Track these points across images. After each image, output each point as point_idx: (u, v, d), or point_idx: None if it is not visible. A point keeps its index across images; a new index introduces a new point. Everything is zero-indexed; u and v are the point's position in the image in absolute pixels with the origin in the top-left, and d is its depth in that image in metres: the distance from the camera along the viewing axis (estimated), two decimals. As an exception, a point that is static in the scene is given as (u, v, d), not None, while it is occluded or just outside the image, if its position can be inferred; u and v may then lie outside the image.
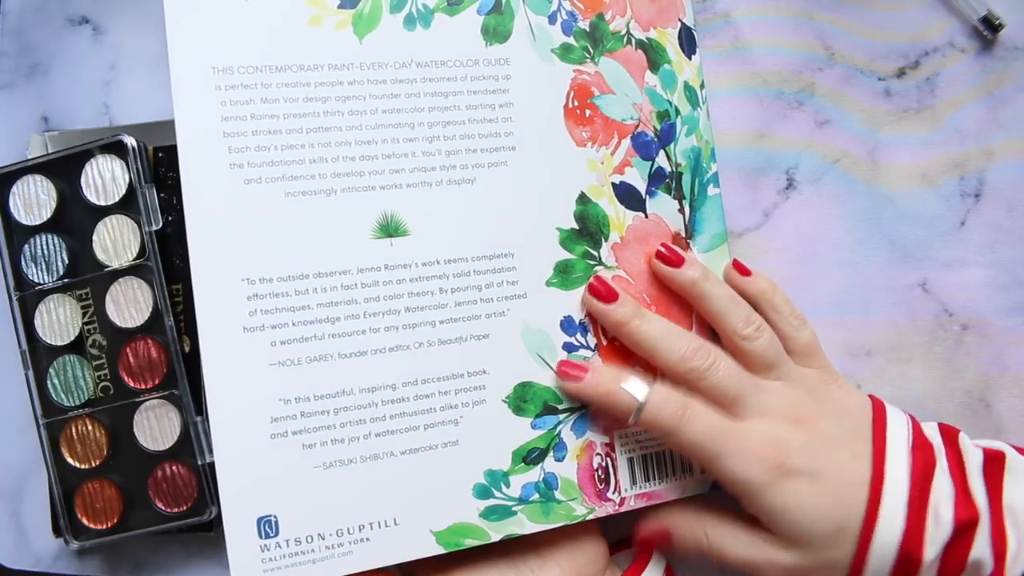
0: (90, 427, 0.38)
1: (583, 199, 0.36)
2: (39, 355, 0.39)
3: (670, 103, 0.38)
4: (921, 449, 0.34)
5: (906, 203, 0.42)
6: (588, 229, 0.36)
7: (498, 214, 0.35)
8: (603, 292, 0.35)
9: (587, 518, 0.35)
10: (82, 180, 0.39)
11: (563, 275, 0.36)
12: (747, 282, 0.38)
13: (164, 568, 0.41)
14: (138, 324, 0.38)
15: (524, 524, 0.34)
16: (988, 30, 0.41)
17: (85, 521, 0.38)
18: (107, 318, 0.38)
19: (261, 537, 0.32)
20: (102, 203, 0.39)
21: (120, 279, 0.38)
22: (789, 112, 0.42)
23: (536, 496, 0.35)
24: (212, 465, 0.38)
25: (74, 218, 0.39)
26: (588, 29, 0.36)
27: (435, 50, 0.34)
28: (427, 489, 0.33)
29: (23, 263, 0.39)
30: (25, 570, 0.41)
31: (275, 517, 0.32)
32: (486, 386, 0.34)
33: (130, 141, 0.39)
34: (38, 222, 0.39)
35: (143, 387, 0.38)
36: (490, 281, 0.34)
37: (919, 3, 0.42)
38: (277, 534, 0.32)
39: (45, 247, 0.39)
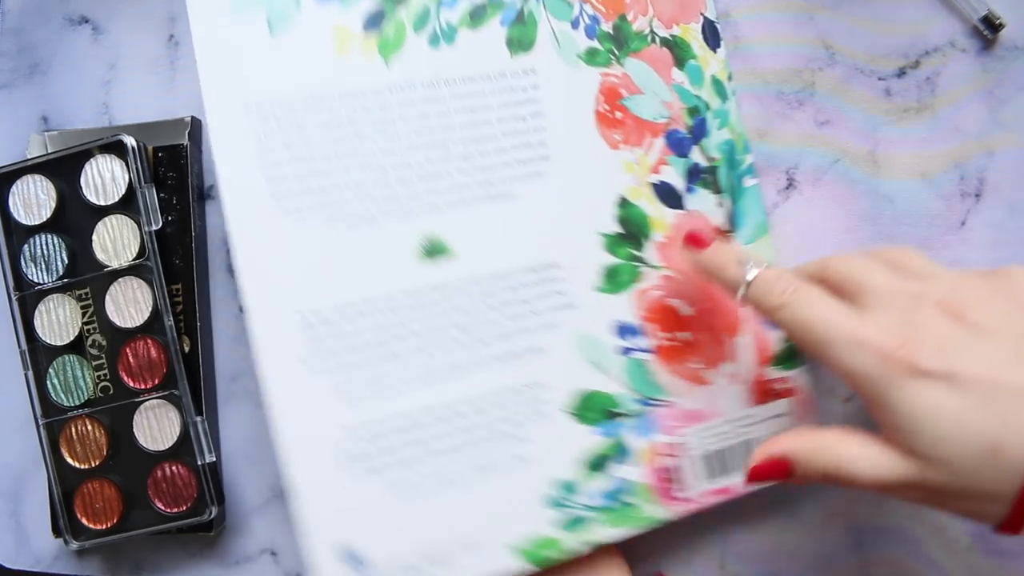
0: (90, 427, 0.38)
1: (623, 202, 0.36)
2: (39, 355, 0.39)
3: (699, 98, 0.38)
4: None
5: (906, 202, 0.42)
6: (631, 231, 0.36)
7: (540, 225, 0.35)
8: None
9: (664, 520, 0.35)
10: (82, 180, 0.39)
11: (611, 280, 0.35)
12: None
13: (164, 568, 0.41)
14: (138, 324, 0.38)
15: (602, 532, 0.34)
16: (988, 30, 0.41)
17: (85, 521, 0.38)
18: (107, 318, 0.38)
19: (348, 568, 0.31)
20: (102, 203, 0.39)
21: (120, 279, 0.38)
22: (789, 111, 0.42)
23: (609, 503, 0.35)
24: (212, 465, 0.38)
25: (74, 218, 0.39)
26: (612, 31, 0.36)
27: (462, 66, 0.34)
28: (501, 506, 0.33)
29: (23, 263, 0.39)
30: (25, 570, 0.41)
31: (356, 548, 0.31)
32: (547, 398, 0.34)
33: (130, 141, 0.39)
34: (37, 222, 0.39)
35: (143, 387, 0.38)
36: (538, 293, 0.34)
37: (919, 2, 0.42)
38: (362, 564, 0.31)
39: (45, 247, 0.39)
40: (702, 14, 0.38)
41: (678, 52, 0.37)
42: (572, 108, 0.36)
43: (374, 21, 0.33)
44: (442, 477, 0.32)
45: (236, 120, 0.32)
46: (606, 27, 0.36)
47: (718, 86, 0.38)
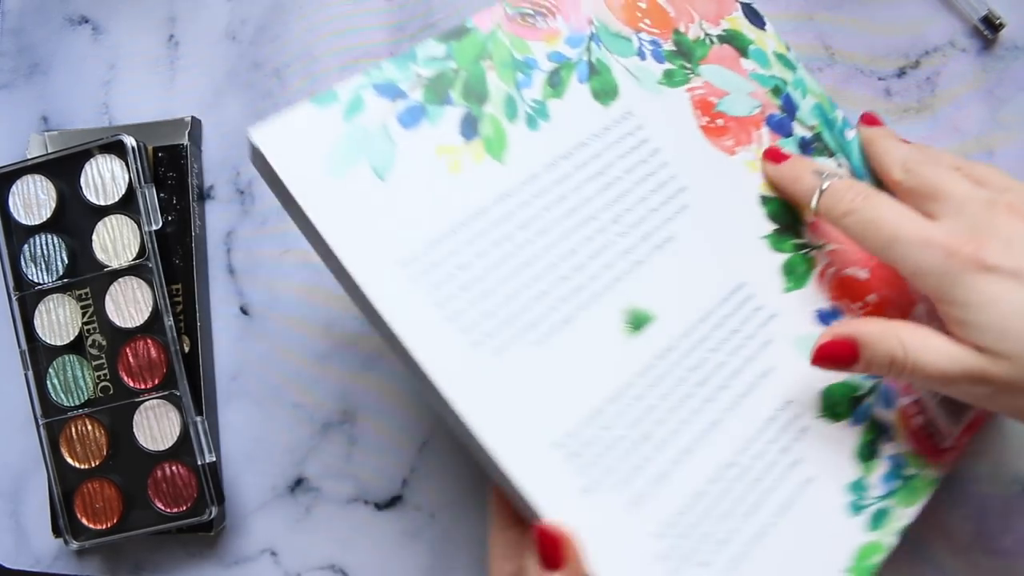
0: (90, 427, 0.38)
1: (764, 199, 0.36)
2: (39, 355, 0.39)
3: (774, 77, 0.38)
4: None
5: (906, 202, 0.42)
6: (784, 223, 0.36)
7: (709, 254, 0.34)
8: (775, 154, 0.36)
9: (940, 477, 0.35)
10: (82, 180, 0.39)
11: (791, 276, 0.35)
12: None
13: (164, 568, 0.41)
14: (138, 324, 0.38)
15: (903, 514, 0.34)
16: (988, 29, 0.41)
17: (85, 521, 0.38)
18: (107, 318, 0.38)
19: None
20: (102, 203, 0.39)
21: (120, 279, 0.38)
22: (789, 111, 0.42)
23: (895, 484, 0.34)
24: (212, 465, 0.38)
25: (74, 218, 0.39)
26: (676, 48, 0.36)
27: (568, 136, 0.33)
28: (815, 536, 0.33)
29: (23, 263, 0.39)
30: (25, 570, 0.41)
31: None
32: (798, 412, 0.34)
33: (130, 141, 0.39)
34: (38, 222, 0.39)
35: (143, 387, 0.38)
36: (742, 318, 0.34)
37: (919, 2, 0.42)
38: None
39: (45, 247, 0.39)
40: (737, 1, 0.39)
41: (737, 43, 0.38)
42: (679, 133, 0.35)
43: (469, 127, 0.32)
44: (753, 535, 0.32)
45: (395, 281, 0.29)
46: (668, 46, 0.36)
47: (783, 60, 0.39)
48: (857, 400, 0.35)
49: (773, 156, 0.36)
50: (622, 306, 0.32)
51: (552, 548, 0.28)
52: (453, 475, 0.40)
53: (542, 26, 0.34)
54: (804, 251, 0.36)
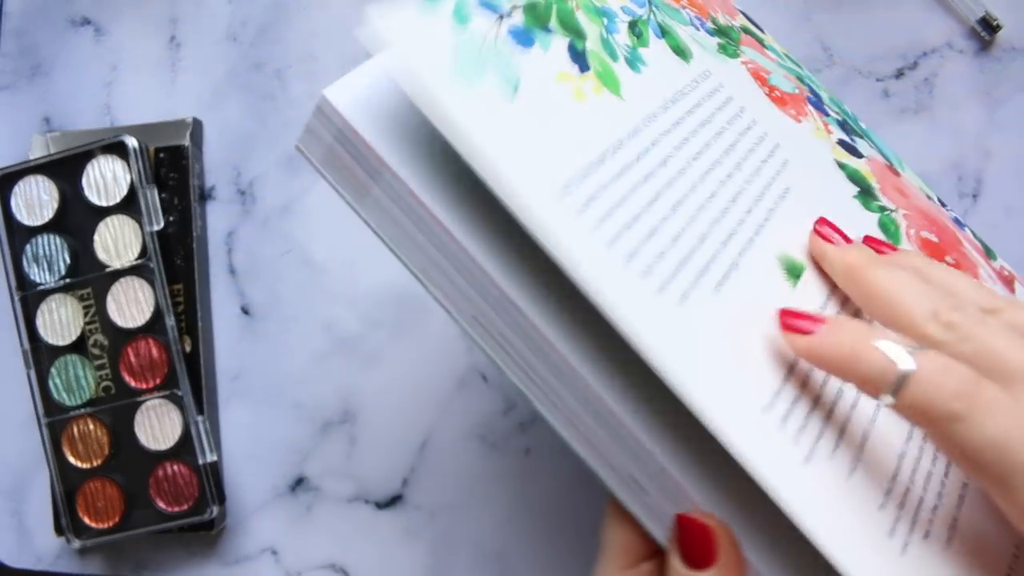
0: (91, 426, 0.38)
1: (841, 164, 0.35)
2: (41, 355, 0.39)
3: (794, 69, 0.38)
4: None
5: (904, 203, 0.42)
6: (863, 187, 0.35)
7: (820, 210, 0.32)
8: (830, 233, 0.29)
9: None
10: (83, 180, 0.39)
11: (887, 234, 0.34)
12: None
13: (165, 567, 0.41)
14: (139, 324, 0.38)
15: None
16: (986, 31, 0.41)
17: (86, 520, 0.38)
18: (108, 318, 0.38)
19: None
20: (103, 203, 0.39)
21: (121, 279, 0.39)
22: (788, 113, 0.42)
23: None
24: (213, 464, 0.39)
25: (75, 218, 0.39)
26: (717, 27, 0.36)
27: (668, 82, 0.31)
28: None
29: (25, 263, 0.39)
30: (27, 569, 0.41)
31: None
32: None
33: (131, 142, 0.39)
34: (40, 222, 0.39)
35: (144, 387, 0.38)
36: None
37: (917, 4, 0.42)
38: None
39: (47, 247, 0.39)
40: (737, 8, 0.39)
41: (755, 37, 0.38)
42: (752, 96, 0.34)
43: (579, 58, 0.28)
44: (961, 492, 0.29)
45: (558, 214, 0.24)
46: (710, 25, 0.36)
47: (791, 59, 0.39)
48: None
49: (793, 328, 0.25)
50: (775, 253, 0.28)
51: (701, 541, 0.23)
52: (453, 475, 0.40)
53: None
54: (887, 212, 0.35)
